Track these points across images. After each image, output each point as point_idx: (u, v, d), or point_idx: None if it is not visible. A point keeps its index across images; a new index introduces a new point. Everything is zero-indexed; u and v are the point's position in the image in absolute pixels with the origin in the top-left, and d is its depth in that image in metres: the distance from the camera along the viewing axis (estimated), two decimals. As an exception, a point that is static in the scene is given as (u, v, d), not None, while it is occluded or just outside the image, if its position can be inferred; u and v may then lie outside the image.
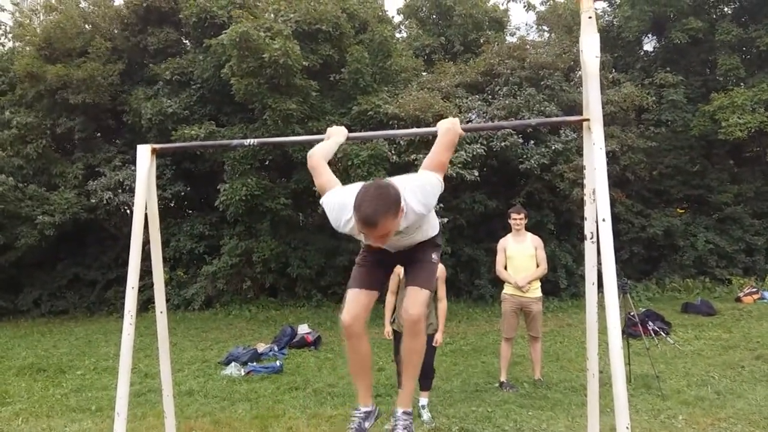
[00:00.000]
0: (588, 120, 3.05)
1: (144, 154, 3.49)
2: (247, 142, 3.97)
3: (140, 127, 12.62)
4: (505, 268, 6.54)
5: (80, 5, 14.20)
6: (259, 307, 12.13)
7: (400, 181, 2.73)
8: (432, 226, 3.03)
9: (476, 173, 10.61)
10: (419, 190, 2.70)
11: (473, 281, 12.22)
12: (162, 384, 3.82)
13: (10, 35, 14.37)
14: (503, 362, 6.58)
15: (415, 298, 2.89)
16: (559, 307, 11.42)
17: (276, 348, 8.56)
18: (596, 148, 2.94)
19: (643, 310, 9.72)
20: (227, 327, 10.88)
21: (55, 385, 7.27)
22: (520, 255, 6.47)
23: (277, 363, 7.72)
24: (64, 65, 12.31)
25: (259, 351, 8.28)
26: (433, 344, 5.38)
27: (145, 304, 10.47)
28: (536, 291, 6.51)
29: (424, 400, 5.57)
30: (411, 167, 8.89)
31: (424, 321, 2.95)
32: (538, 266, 6.47)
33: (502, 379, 6.50)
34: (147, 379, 7.25)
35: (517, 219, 6.54)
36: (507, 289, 6.55)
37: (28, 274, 13.34)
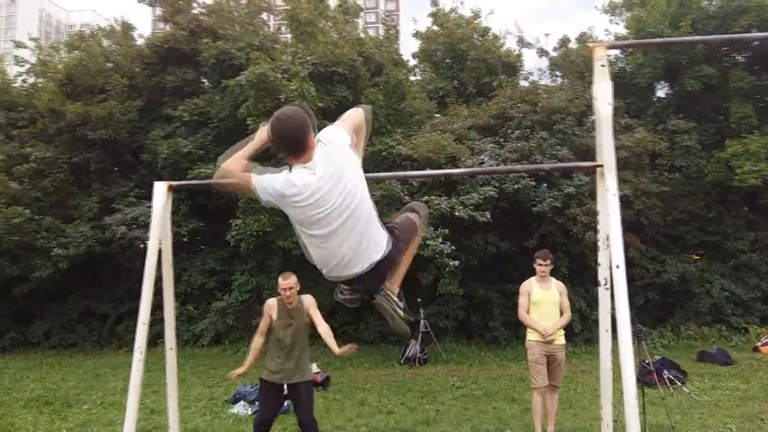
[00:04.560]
0: (601, 166, 3.06)
1: (160, 191, 3.55)
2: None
3: (156, 164, 12.82)
4: (527, 313, 6.26)
5: (103, 44, 14.65)
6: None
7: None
8: (377, 234, 2.87)
9: (488, 215, 10.64)
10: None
11: (486, 323, 12.06)
12: (169, 422, 3.78)
13: (31, 72, 14.76)
14: (537, 417, 6.00)
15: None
16: (573, 353, 11.18)
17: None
18: (609, 194, 2.95)
19: (658, 357, 9.53)
20: (236, 364, 10.63)
21: (62, 419, 7.22)
22: (547, 301, 6.23)
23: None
24: (84, 102, 12.60)
25: (266, 390, 8.16)
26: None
27: (155, 338, 10.39)
28: (561, 338, 6.24)
29: None
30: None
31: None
32: (562, 313, 6.27)
33: None
34: (153, 416, 7.18)
35: (543, 266, 6.31)
36: (533, 336, 6.15)
37: (39, 306, 13.40)
